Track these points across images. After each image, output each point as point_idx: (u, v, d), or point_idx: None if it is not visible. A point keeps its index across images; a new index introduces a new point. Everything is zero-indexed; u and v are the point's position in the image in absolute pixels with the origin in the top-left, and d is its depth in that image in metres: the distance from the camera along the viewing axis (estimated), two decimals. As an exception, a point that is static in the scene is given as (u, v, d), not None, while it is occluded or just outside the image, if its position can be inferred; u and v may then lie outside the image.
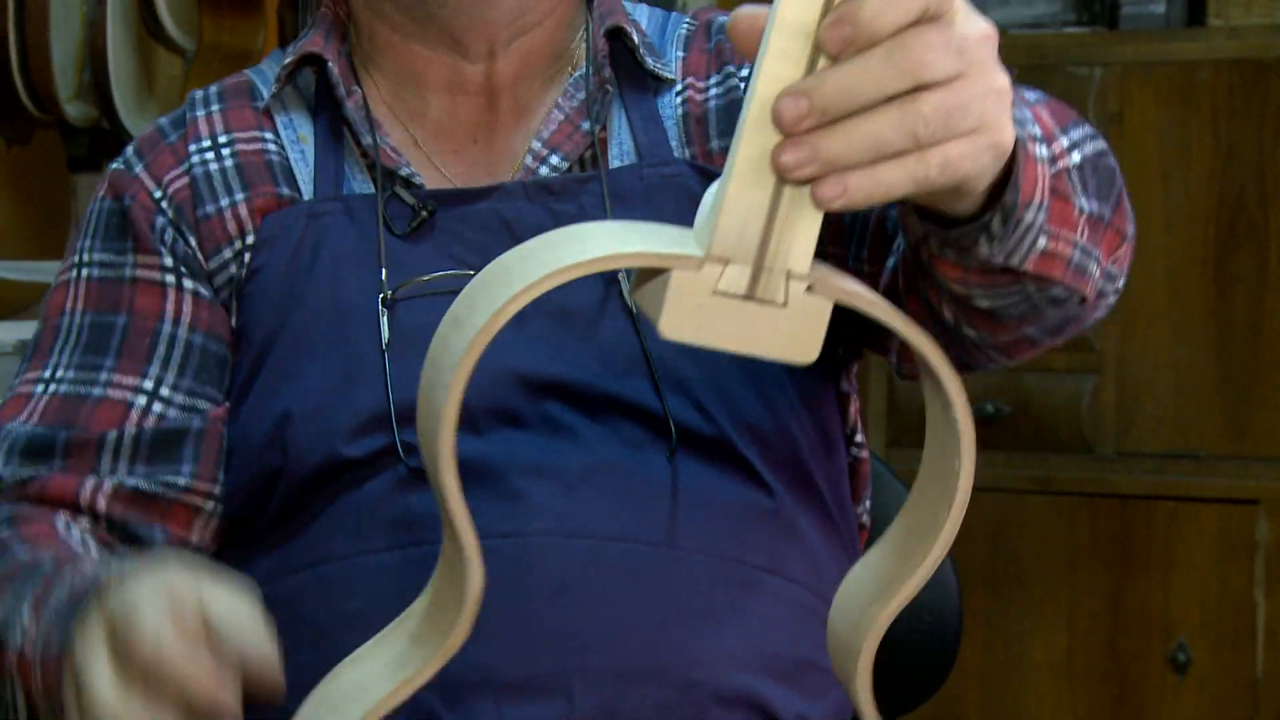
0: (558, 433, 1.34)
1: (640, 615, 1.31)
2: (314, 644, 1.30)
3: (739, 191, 0.96)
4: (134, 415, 1.40)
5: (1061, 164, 1.13)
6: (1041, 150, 1.08)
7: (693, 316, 0.98)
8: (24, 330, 2.49)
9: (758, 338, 0.98)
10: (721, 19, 1.50)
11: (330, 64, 1.43)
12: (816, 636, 1.34)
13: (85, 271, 1.45)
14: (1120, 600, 3.15)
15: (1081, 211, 1.15)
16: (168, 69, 2.92)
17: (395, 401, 1.33)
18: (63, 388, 1.41)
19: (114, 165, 1.47)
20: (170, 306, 1.43)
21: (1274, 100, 3.15)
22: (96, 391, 1.40)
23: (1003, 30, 3.21)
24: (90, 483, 1.39)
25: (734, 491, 1.38)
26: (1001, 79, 0.93)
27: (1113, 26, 3.32)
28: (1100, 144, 1.21)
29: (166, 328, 1.42)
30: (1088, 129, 1.21)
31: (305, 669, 1.26)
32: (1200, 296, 3.12)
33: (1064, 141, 1.15)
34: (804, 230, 0.97)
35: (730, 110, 1.45)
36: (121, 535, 1.39)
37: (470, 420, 1.32)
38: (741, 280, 0.97)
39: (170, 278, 1.43)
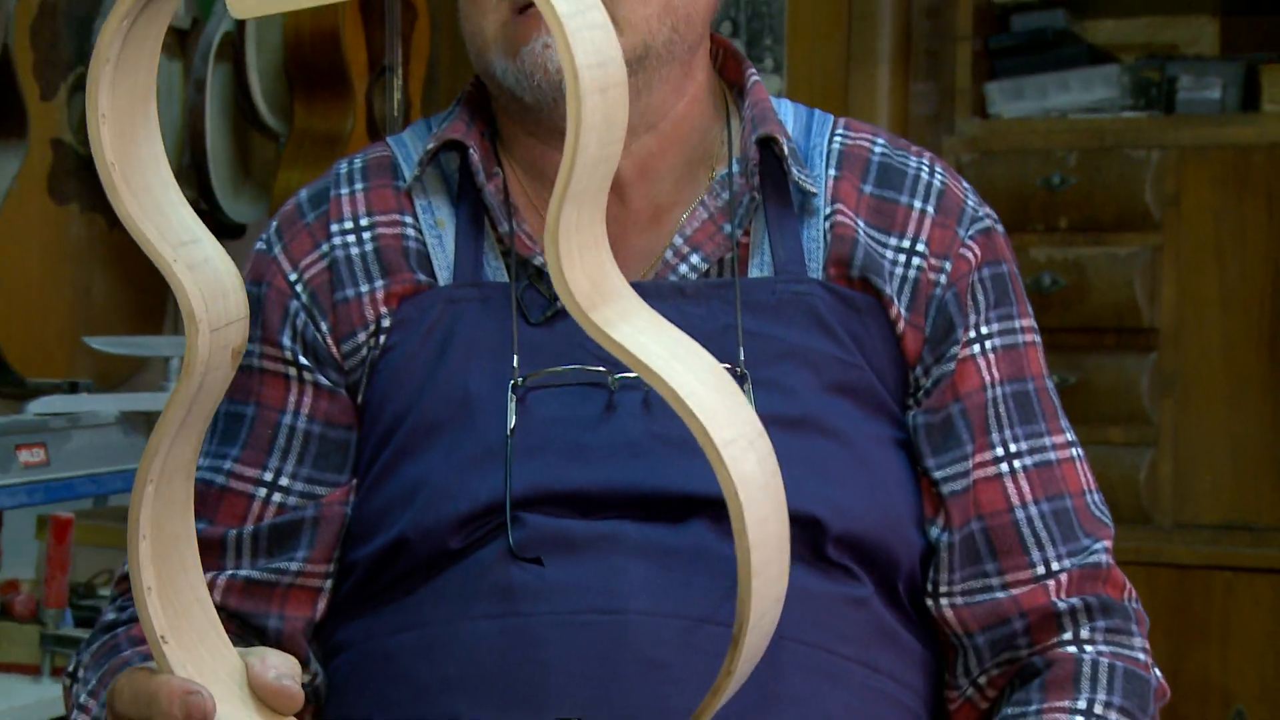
0: (661, 522, 1.34)
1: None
2: (412, 701, 1.36)
3: None
4: (255, 508, 1.43)
5: None
6: None
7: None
8: (126, 402, 2.57)
9: None
10: (883, 155, 1.50)
11: (471, 150, 1.43)
12: None
13: None
14: (1180, 668, 3.15)
15: None
16: (262, 152, 3.05)
17: (513, 487, 1.36)
18: (201, 474, 1.41)
19: (258, 245, 1.48)
20: (292, 398, 1.44)
21: (1329, 185, 3.14)
22: (220, 480, 1.44)
23: (1063, 114, 3.38)
24: (208, 578, 1.37)
25: (826, 584, 1.38)
26: None
27: (1169, 111, 3.38)
28: None
29: (287, 419, 1.44)
30: None
31: None
32: (1256, 372, 3.19)
33: None
34: None
35: (867, 261, 1.44)
36: (239, 623, 1.43)
37: (582, 506, 1.36)
38: None
39: (293, 370, 1.44)
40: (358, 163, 1.49)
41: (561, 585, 1.34)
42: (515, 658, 1.34)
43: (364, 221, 1.44)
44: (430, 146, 1.44)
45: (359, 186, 1.47)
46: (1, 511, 2.30)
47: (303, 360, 1.43)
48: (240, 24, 2.94)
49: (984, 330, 1.44)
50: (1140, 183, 3.23)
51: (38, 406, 2.56)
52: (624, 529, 1.34)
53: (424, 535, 1.37)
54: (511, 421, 1.37)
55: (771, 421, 1.29)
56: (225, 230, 3.07)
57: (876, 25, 3.42)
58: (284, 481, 1.43)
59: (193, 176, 2.96)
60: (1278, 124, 3.25)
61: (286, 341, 1.42)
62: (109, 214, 2.89)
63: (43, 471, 2.40)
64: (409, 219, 1.45)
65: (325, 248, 1.44)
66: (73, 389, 2.69)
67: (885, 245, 1.45)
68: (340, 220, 1.45)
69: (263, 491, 1.43)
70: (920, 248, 1.44)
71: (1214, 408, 3.23)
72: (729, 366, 1.31)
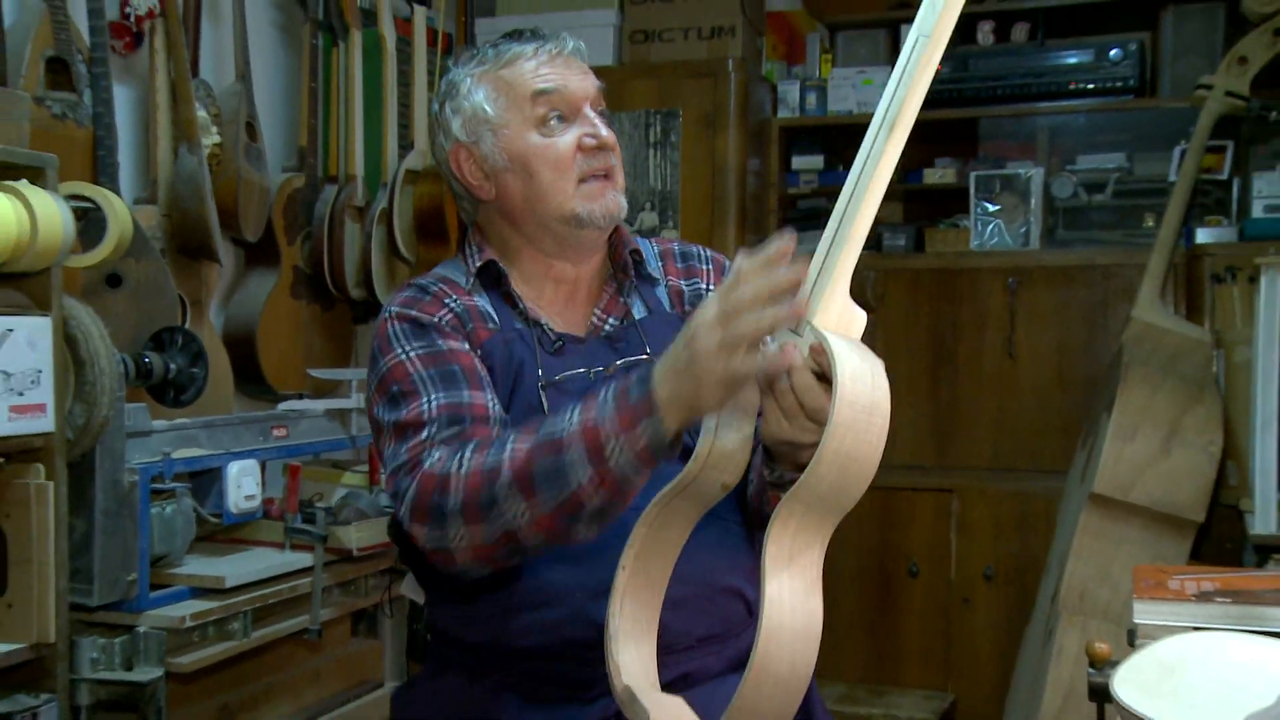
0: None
1: (689, 552, 1.24)
2: (533, 564, 1.33)
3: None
4: (491, 409, 1.30)
5: None
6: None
7: (782, 335, 1.05)
8: (329, 404, 2.56)
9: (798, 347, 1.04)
10: (680, 247, 1.52)
11: (500, 264, 1.41)
12: (756, 561, 1.40)
13: (412, 353, 1.34)
14: (886, 541, 3.31)
15: None
16: (401, 271, 3.06)
17: None
18: (443, 400, 1.30)
19: (397, 310, 1.38)
20: (476, 361, 1.34)
21: (959, 289, 3.40)
22: (466, 399, 1.30)
23: (820, 250, 3.50)
24: (493, 430, 1.28)
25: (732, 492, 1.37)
26: None
27: (878, 250, 3.49)
28: None
29: (479, 369, 1.34)
30: None
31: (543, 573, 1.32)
32: (924, 389, 3.45)
33: None
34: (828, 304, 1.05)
35: (693, 295, 1.47)
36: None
37: None
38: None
39: (467, 345, 1.36)
40: (435, 278, 1.43)
41: None
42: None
43: (454, 301, 1.38)
44: (480, 264, 1.41)
45: (444, 286, 1.40)
46: (265, 462, 2.30)
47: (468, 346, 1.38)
48: (390, 200, 2.94)
49: None
50: (864, 288, 3.38)
51: (283, 406, 2.56)
52: None
53: None
54: (546, 404, 1.34)
55: None
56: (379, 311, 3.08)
57: (727, 205, 3.42)
58: (493, 400, 1.31)
59: (364, 283, 2.94)
60: (934, 258, 3.49)
61: (458, 333, 1.37)
62: (321, 305, 2.95)
63: (285, 441, 2.37)
64: (471, 300, 1.39)
65: (445, 309, 1.37)
66: (300, 397, 2.68)
67: (696, 287, 1.48)
68: (443, 299, 1.38)
69: (492, 403, 1.30)
70: (711, 286, 1.49)
71: (902, 405, 3.26)
72: (646, 357, 1.39)
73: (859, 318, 1.07)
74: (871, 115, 1.09)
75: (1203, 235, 3.12)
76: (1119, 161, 3.38)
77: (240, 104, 2.62)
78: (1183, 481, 2.60)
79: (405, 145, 3.06)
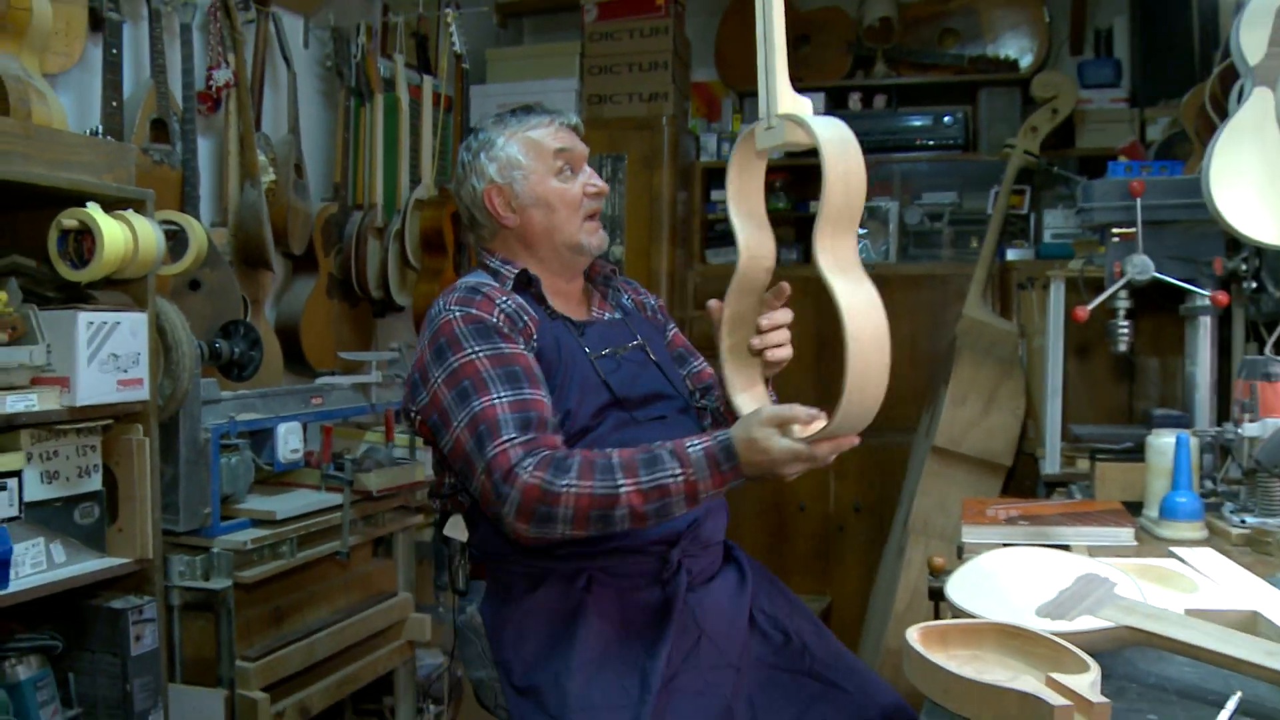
0: (651, 407, 1.34)
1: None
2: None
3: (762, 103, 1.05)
4: (547, 405, 1.26)
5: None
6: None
7: (763, 139, 1.06)
8: (354, 380, 2.46)
9: (778, 139, 1.05)
10: (627, 281, 1.54)
11: (533, 273, 1.39)
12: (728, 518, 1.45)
13: (480, 354, 1.27)
14: (779, 484, 3.01)
15: None
16: (411, 276, 3.00)
17: (618, 397, 1.34)
18: (510, 398, 1.24)
19: (460, 312, 1.30)
20: (533, 360, 1.29)
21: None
22: (527, 395, 1.25)
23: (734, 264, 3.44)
24: (558, 439, 1.24)
25: (693, 423, 1.41)
26: None
27: (780, 265, 3.38)
28: None
29: (536, 369, 1.29)
30: None
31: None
32: (809, 369, 3.21)
33: None
34: (782, 96, 1.03)
35: (648, 305, 1.52)
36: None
37: (628, 404, 1.35)
38: (767, 121, 1.06)
39: (525, 348, 1.31)
40: (476, 282, 1.39)
41: (634, 437, 1.29)
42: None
43: (504, 300, 1.34)
44: (517, 273, 1.40)
45: (495, 289, 1.36)
46: (306, 424, 2.28)
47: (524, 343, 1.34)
48: (402, 222, 2.91)
49: (672, 324, 1.54)
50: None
51: (320, 380, 2.51)
52: (639, 412, 1.33)
53: (576, 424, 1.31)
54: (602, 374, 1.34)
55: (653, 363, 1.41)
56: (395, 308, 3.07)
57: (661, 227, 3.39)
58: (546, 396, 1.28)
59: (383, 286, 2.88)
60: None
61: (516, 335, 1.31)
62: (349, 303, 2.87)
63: (321, 407, 2.35)
64: (515, 300, 1.35)
65: (497, 309, 1.32)
66: (333, 373, 2.66)
67: (644, 298, 1.54)
68: (495, 300, 1.33)
69: (548, 398, 1.26)
70: (654, 300, 1.55)
71: (790, 383, 3.25)
72: (637, 344, 1.41)
73: (806, 102, 1.06)
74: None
75: (1011, 254, 3.21)
76: (952, 198, 3.41)
77: (291, 150, 2.62)
78: (997, 436, 2.67)
79: (415, 180, 3.00)
